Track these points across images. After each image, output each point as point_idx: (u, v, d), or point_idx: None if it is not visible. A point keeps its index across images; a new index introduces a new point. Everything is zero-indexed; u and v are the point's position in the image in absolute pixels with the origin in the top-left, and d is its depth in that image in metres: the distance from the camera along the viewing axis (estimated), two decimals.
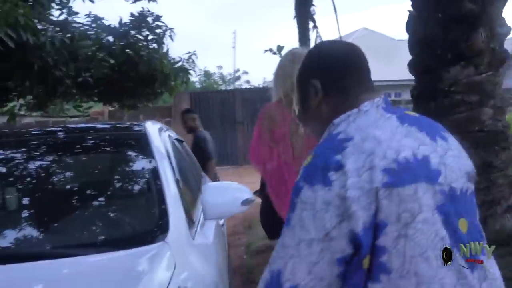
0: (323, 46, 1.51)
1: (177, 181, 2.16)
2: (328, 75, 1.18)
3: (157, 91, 8.00)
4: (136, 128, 2.64)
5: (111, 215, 2.12)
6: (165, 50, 7.51)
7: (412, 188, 1.00)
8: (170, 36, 7.30)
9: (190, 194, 2.61)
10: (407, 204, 0.99)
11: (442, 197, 1.03)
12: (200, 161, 4.40)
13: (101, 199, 2.22)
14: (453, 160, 1.09)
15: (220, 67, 37.85)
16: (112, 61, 7.24)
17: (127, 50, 7.24)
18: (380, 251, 1.00)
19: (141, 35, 7.16)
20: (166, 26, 7.18)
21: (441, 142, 1.10)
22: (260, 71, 78.57)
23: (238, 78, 32.19)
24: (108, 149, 2.60)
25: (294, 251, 1.01)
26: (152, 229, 1.81)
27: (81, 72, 6.82)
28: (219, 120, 14.77)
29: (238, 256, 5.28)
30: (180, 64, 8.00)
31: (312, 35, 6.99)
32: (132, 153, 2.47)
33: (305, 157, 3.05)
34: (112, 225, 2.02)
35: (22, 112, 8.24)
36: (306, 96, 1.22)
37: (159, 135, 2.46)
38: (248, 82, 30.95)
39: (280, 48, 4.63)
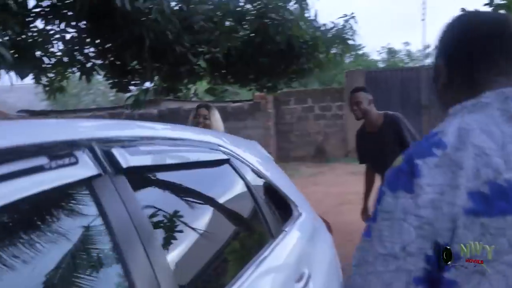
0: (460, 19, 1.08)
1: None
2: (452, 58, 1.00)
3: (304, 67, 6.19)
4: None
5: None
6: (312, 15, 5.65)
7: (504, 221, 0.79)
8: None
9: None
10: (493, 238, 0.79)
11: None
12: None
13: None
14: None
15: (406, 43, 34.27)
16: (241, 32, 5.67)
17: (264, 19, 5.58)
18: (448, 285, 0.82)
19: None
20: None
21: None
22: None
23: (428, 55, 28.35)
24: None
25: (371, 267, 0.86)
26: None
27: (202, 46, 5.41)
28: (399, 103, 12.41)
29: None
30: (333, 31, 6.08)
31: None
32: None
33: None
34: None
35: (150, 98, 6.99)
36: (435, 75, 1.04)
37: None
38: None
39: None
